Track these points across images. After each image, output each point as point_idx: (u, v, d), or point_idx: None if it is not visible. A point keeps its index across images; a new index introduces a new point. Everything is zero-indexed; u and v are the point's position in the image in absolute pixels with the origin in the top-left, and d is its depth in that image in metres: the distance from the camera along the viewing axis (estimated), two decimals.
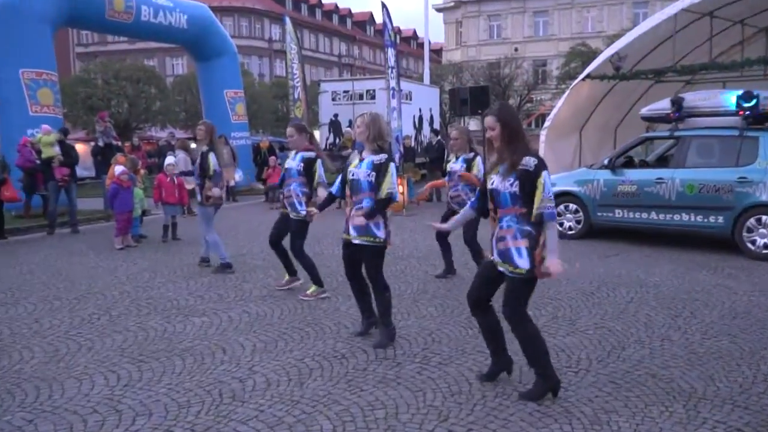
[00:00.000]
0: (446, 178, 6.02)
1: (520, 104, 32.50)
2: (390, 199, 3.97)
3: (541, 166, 3.08)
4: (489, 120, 3.19)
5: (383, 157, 4.01)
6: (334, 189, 4.37)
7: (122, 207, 8.47)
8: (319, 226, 7.51)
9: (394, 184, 3.99)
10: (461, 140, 5.87)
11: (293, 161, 5.41)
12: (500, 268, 3.20)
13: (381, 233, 4.01)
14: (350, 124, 15.45)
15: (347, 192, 4.15)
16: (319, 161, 5.35)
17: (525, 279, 3.13)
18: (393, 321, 4.32)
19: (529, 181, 3.07)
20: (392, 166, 4.01)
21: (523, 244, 3.10)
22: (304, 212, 5.30)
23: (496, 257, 3.21)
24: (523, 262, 3.11)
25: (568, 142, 11.95)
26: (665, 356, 4.06)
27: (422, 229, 9.09)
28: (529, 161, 3.08)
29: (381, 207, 4.02)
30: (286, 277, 5.85)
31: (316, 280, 5.51)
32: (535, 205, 3.07)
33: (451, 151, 6.05)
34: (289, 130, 5.49)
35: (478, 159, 5.75)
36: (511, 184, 3.10)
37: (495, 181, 3.20)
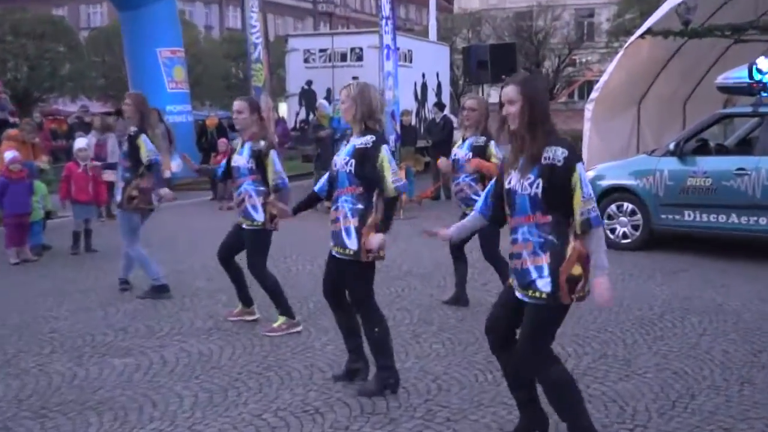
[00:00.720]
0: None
1: (559, 68, 32.70)
2: (397, 196, 4.05)
3: (573, 157, 3.13)
4: (510, 91, 3.21)
5: (369, 139, 4.06)
6: (318, 187, 4.43)
7: (15, 207, 8.40)
8: (286, 235, 7.41)
9: (394, 170, 4.05)
10: (478, 113, 5.90)
11: (241, 156, 5.49)
12: (518, 294, 3.27)
13: (353, 243, 4.06)
14: (329, 94, 15.29)
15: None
16: (273, 153, 5.44)
17: (547, 307, 3.17)
18: (393, 363, 4.33)
19: (556, 180, 3.12)
20: (385, 149, 4.07)
21: (544, 260, 3.15)
22: (261, 219, 5.37)
23: (512, 279, 3.31)
24: (544, 284, 3.15)
25: (622, 120, 11.90)
26: (744, 404, 4.12)
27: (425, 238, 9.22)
28: (556, 152, 3.12)
29: (390, 210, 4.09)
30: (239, 306, 5.88)
31: (285, 309, 5.53)
32: (576, 211, 3.11)
33: (460, 125, 6.12)
34: (238, 104, 5.51)
35: (492, 146, 5.80)
36: (531, 184, 3.15)
37: (512, 180, 3.26)
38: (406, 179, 11.92)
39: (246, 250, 5.47)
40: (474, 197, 5.68)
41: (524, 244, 3.18)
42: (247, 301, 5.82)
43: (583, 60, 33.77)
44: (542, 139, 3.14)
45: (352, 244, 4.07)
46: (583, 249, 3.12)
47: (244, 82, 19.06)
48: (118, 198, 6.52)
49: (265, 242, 5.49)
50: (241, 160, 5.45)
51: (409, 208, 12.01)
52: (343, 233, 4.08)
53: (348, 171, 4.08)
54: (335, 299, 4.33)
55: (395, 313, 5.99)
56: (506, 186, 3.28)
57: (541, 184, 3.11)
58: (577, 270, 3.11)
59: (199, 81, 25.95)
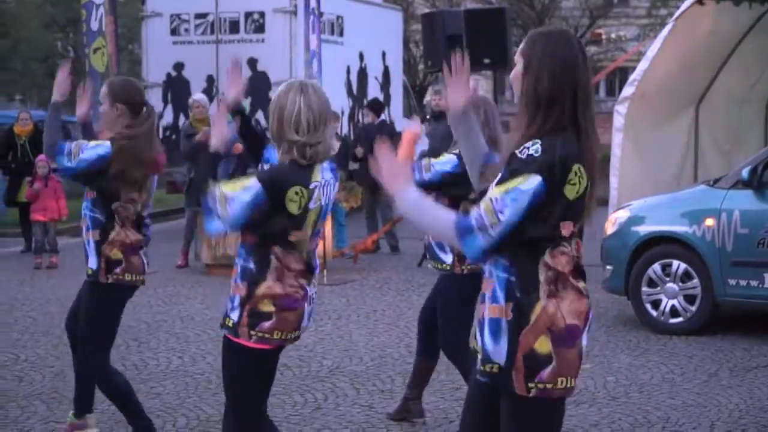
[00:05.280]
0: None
1: None
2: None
3: (542, 158, 2.65)
4: (517, 51, 2.96)
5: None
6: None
7: None
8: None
9: None
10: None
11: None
12: (479, 376, 2.90)
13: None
14: (210, 85, 12.83)
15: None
16: None
17: (516, 396, 2.76)
18: None
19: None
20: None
21: (501, 313, 2.76)
22: (94, 266, 4.80)
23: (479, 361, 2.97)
24: (497, 352, 2.79)
25: (672, 131, 10.11)
26: None
27: (364, 313, 8.40)
28: (531, 147, 2.67)
29: None
30: (70, 417, 5.02)
31: (85, 405, 4.93)
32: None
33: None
34: (106, 90, 4.82)
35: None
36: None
37: None
38: (332, 221, 10.09)
39: (83, 315, 4.78)
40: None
41: (487, 282, 2.86)
42: (85, 405, 5.00)
43: (612, 36, 29.95)
44: (534, 127, 2.69)
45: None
46: (557, 315, 2.67)
47: (76, 64, 16.34)
48: None
49: (111, 308, 4.75)
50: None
51: (338, 265, 10.17)
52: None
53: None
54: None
55: None
56: None
57: None
58: (543, 346, 2.67)
59: (5, 63, 22.03)
